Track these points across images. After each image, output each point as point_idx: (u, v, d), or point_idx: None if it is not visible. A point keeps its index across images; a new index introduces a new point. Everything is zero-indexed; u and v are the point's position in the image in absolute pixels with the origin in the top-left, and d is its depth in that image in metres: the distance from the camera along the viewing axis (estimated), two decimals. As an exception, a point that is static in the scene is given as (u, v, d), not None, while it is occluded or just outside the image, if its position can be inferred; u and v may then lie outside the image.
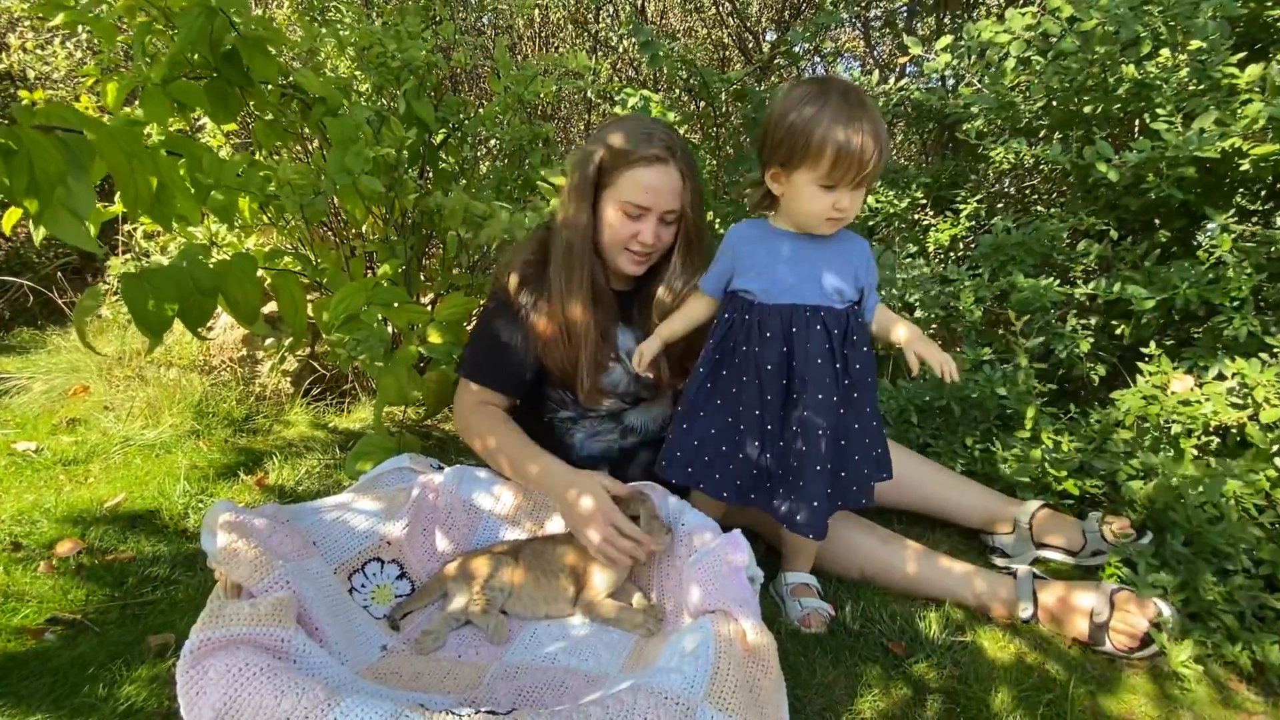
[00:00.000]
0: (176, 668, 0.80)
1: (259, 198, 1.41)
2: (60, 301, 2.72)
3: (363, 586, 1.20)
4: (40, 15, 1.39)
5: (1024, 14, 1.57)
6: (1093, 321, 1.66)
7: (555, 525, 1.31)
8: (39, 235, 1.35)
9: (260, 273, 1.49)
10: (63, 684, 1.01)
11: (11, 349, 3.27)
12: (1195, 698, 1.13)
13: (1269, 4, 1.51)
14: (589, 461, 1.47)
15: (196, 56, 1.38)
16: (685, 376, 1.52)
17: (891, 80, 1.85)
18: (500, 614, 1.16)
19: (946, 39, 1.67)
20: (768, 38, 4.01)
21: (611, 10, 3.85)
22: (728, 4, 3.59)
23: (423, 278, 2.23)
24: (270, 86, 1.49)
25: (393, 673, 1.04)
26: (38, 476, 1.69)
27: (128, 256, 2.58)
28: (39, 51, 3.35)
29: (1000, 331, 1.89)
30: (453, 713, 0.80)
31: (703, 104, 2.43)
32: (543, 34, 4.23)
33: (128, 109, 1.57)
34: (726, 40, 4.05)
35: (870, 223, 2.31)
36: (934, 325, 1.88)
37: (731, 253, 1.23)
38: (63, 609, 1.18)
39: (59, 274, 3.68)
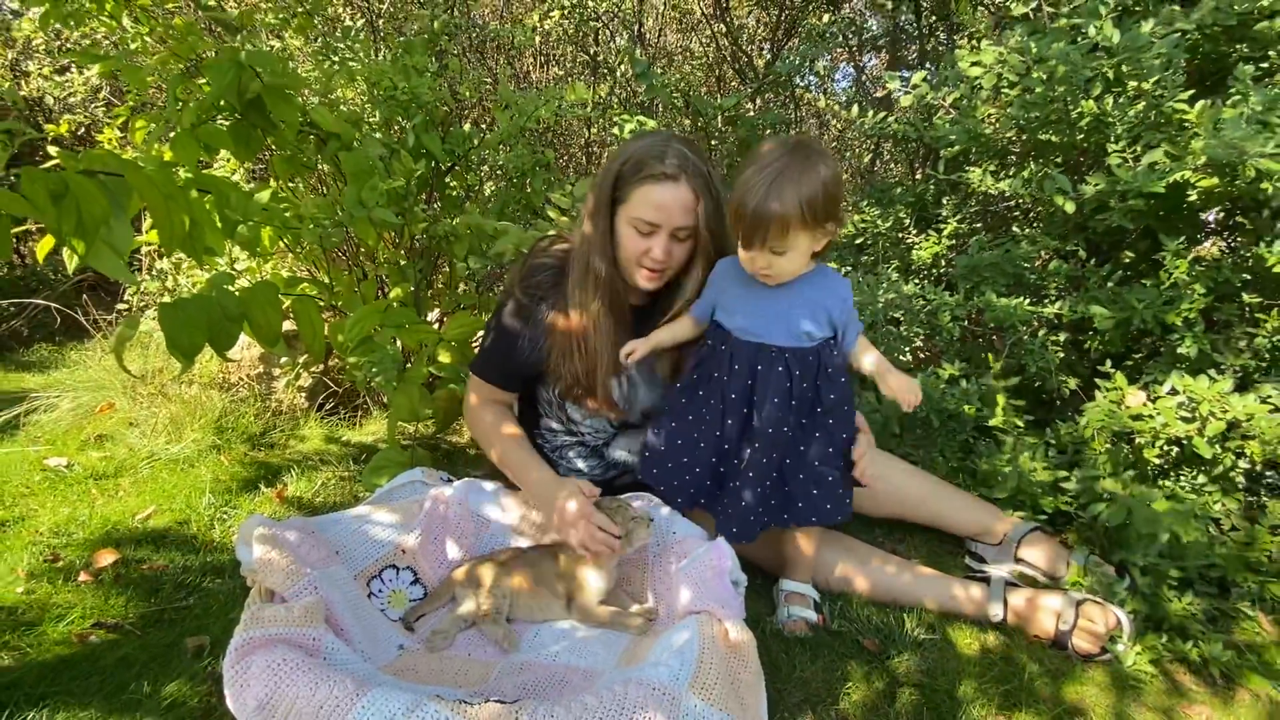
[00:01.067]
0: (223, 664, 0.91)
1: (282, 231, 1.52)
2: (83, 320, 2.83)
3: (380, 591, 1.31)
4: (79, 62, 1.50)
5: (995, 51, 1.68)
6: (1062, 338, 1.76)
7: (554, 535, 1.41)
8: (73, 265, 1.48)
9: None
10: (110, 683, 1.11)
11: (32, 365, 3.40)
12: (1146, 688, 1.23)
13: (1222, 43, 1.62)
14: None
15: (222, 103, 1.50)
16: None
17: (870, 113, 1.96)
18: (507, 623, 1.25)
19: (921, 74, 1.78)
20: (765, 50, 4.13)
21: (609, 34, 3.98)
22: (721, 25, 3.71)
23: (430, 295, 2.35)
24: (289, 125, 1.60)
25: (409, 669, 1.14)
26: (71, 491, 1.80)
27: (146, 277, 2.70)
28: (56, 78, 3.48)
29: (981, 342, 2.00)
30: (465, 702, 0.91)
31: (698, 128, 2.55)
32: (543, 51, 4.35)
33: (157, 145, 1.69)
34: (721, 57, 4.17)
35: (858, 240, 2.41)
36: (919, 341, 1.98)
37: (715, 286, 1.32)
38: (105, 615, 1.29)
39: (62, 290, 3.80)
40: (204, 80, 1.47)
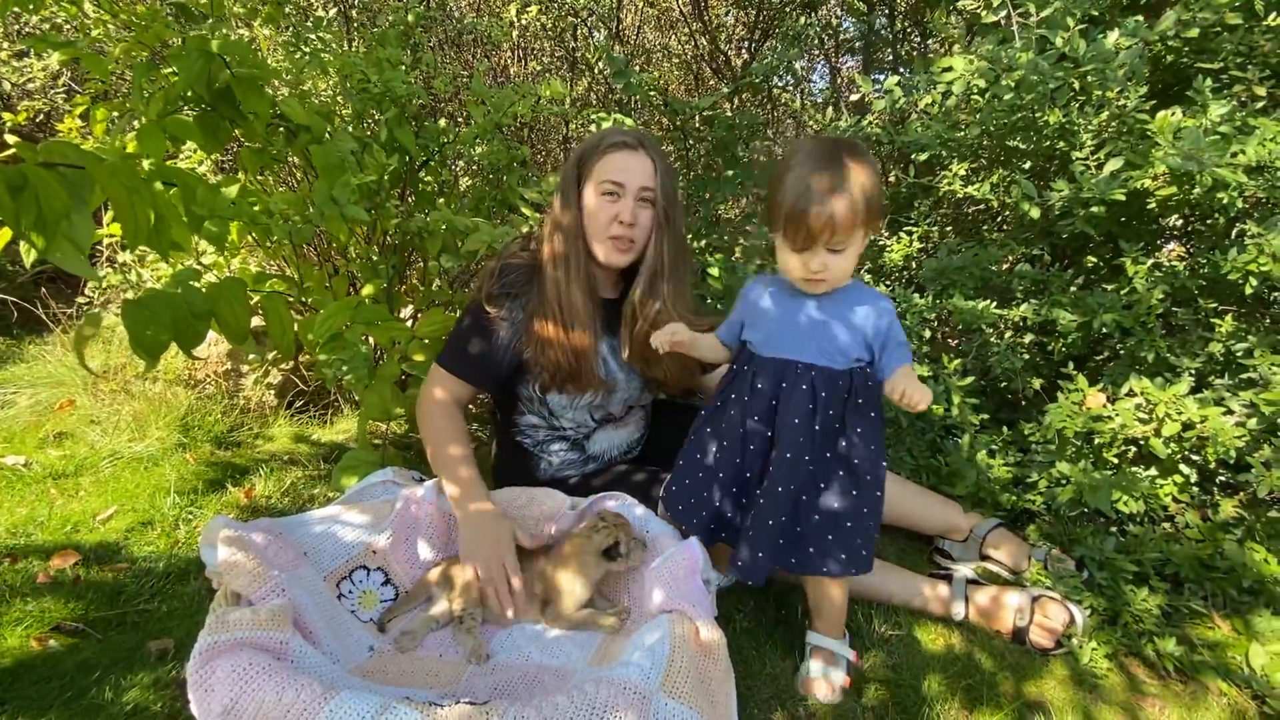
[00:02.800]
0: (186, 669, 0.89)
1: (250, 226, 1.49)
2: (41, 314, 2.74)
3: (350, 592, 1.29)
4: (37, 48, 1.46)
5: (965, 58, 1.71)
6: (1027, 340, 1.81)
7: (526, 539, 1.40)
8: (30, 259, 1.43)
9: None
10: (70, 687, 1.09)
11: (-12, 360, 3.28)
12: (1104, 683, 1.27)
13: (1184, 54, 1.67)
14: (552, 485, 1.53)
15: (190, 93, 1.46)
16: (657, 391, 1.62)
17: (845, 117, 1.98)
18: (479, 635, 1.23)
19: (894, 79, 1.81)
20: (743, 50, 4.15)
21: (587, 30, 3.96)
22: (699, 24, 3.72)
23: (402, 292, 2.32)
24: (259, 118, 1.57)
25: (380, 671, 1.13)
26: (29, 490, 1.75)
27: (108, 270, 2.63)
28: (14, 63, 3.36)
29: (952, 344, 2.03)
30: (435, 704, 0.91)
31: (675, 127, 2.55)
32: (521, 46, 4.32)
33: (121, 137, 1.64)
34: (699, 55, 4.18)
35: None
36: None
37: (742, 302, 1.26)
38: (64, 618, 1.26)
39: (19, 282, 3.68)
40: (170, 70, 1.43)
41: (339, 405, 2.40)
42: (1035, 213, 1.49)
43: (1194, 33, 1.51)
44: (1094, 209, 1.43)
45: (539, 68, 4.27)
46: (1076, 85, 1.44)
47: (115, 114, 1.70)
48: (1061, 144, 1.59)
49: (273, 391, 2.33)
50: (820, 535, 1.17)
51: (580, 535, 1.28)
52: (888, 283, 2.14)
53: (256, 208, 1.57)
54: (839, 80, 3.38)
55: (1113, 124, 1.56)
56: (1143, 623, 1.36)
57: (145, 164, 1.63)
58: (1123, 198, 1.37)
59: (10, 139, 1.91)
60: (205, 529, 1.13)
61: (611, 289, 1.51)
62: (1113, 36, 1.46)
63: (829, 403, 1.15)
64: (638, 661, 1.00)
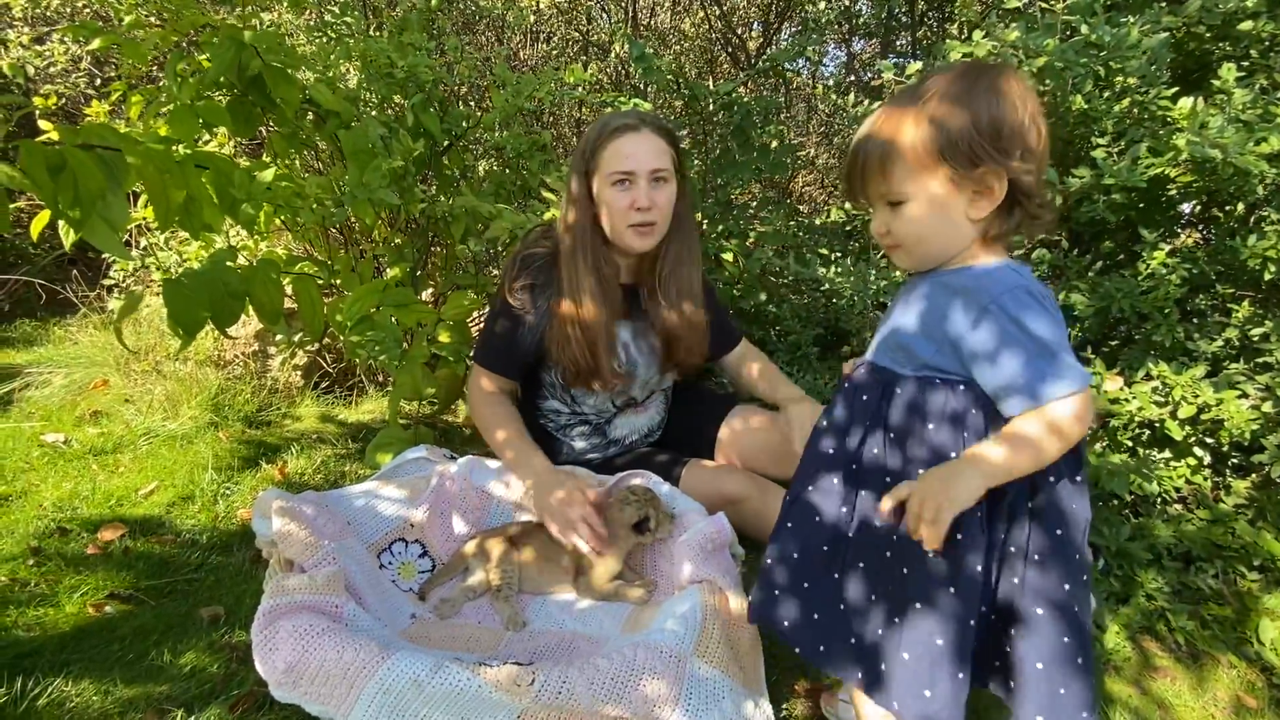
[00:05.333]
0: (251, 630, 0.95)
1: (284, 211, 1.53)
2: (71, 295, 2.80)
3: (390, 563, 1.35)
4: (76, 36, 1.49)
5: (988, 44, 1.72)
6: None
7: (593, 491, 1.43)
8: (69, 240, 1.48)
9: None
10: (130, 651, 1.15)
11: (15, 341, 3.35)
12: (1118, 659, 1.31)
13: (1207, 39, 1.68)
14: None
15: (222, 80, 1.50)
16: (676, 371, 1.65)
17: (866, 101, 2.00)
18: (516, 604, 1.29)
19: (916, 65, 1.82)
20: (757, 32, 4.14)
21: (602, 12, 3.95)
22: (715, 8, 3.71)
23: (424, 275, 2.36)
24: (288, 104, 1.60)
25: (423, 636, 1.19)
26: (71, 467, 1.81)
27: (136, 254, 2.67)
28: (37, 47, 3.39)
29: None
30: (484, 664, 0.96)
31: (693, 112, 2.56)
32: (534, 28, 4.31)
33: (153, 120, 1.68)
34: (713, 37, 4.17)
35: (847, 227, 2.46)
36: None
37: None
38: (118, 586, 1.32)
39: (43, 265, 3.74)
40: (204, 56, 1.47)
41: (363, 386, 2.45)
42: (1058, 200, 1.51)
43: (1217, 19, 1.52)
44: (1116, 195, 1.45)
45: (551, 50, 4.27)
46: (1101, 72, 1.45)
47: (148, 100, 1.74)
48: (1082, 130, 1.61)
49: (299, 372, 2.38)
50: (890, 647, 0.82)
51: (611, 509, 1.32)
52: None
53: (289, 192, 1.60)
54: (855, 64, 3.38)
55: (1133, 110, 1.57)
56: (1155, 600, 1.40)
57: (179, 149, 1.67)
58: (1145, 184, 1.39)
59: (44, 124, 1.95)
60: (257, 501, 1.18)
61: (631, 274, 1.52)
62: (1135, 25, 1.47)
63: (897, 423, 0.84)
64: (671, 628, 1.04)
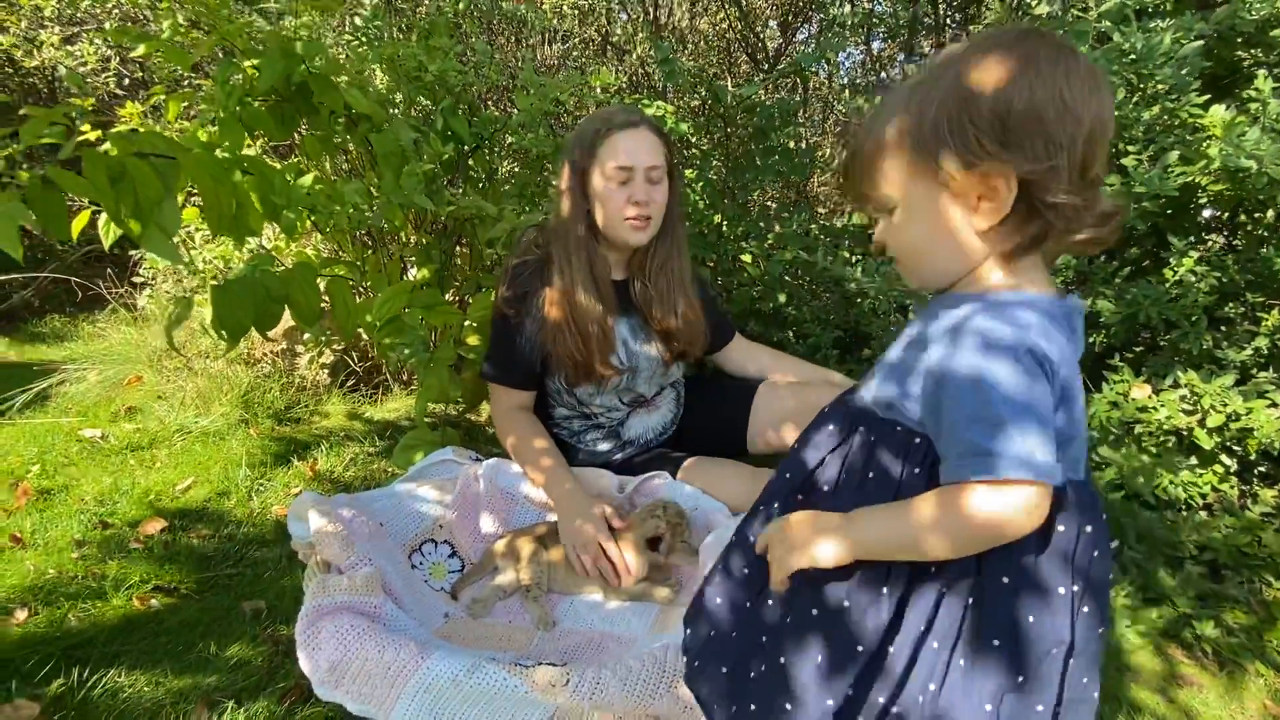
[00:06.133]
0: (295, 629, 0.98)
1: (323, 217, 1.57)
2: (105, 293, 2.86)
3: (420, 564, 1.38)
4: (122, 42, 1.52)
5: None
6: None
7: (618, 519, 1.44)
8: (109, 240, 1.52)
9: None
10: (178, 643, 1.19)
11: (46, 337, 3.43)
12: (1141, 666, 1.32)
13: (1238, 45, 1.67)
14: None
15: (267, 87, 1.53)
16: (681, 362, 1.64)
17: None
18: (545, 604, 1.31)
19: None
20: (774, 30, 4.13)
21: (621, 11, 3.97)
22: (735, 8, 3.71)
23: (448, 276, 2.39)
24: (331, 110, 1.63)
25: (455, 635, 1.22)
26: (109, 461, 1.86)
27: (188, 255, 2.71)
28: (68, 48, 3.46)
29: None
30: (519, 664, 0.98)
31: (716, 114, 2.57)
32: (552, 30, 4.33)
33: (202, 128, 1.72)
34: (731, 36, 4.17)
35: (869, 231, 2.46)
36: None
37: None
38: (161, 580, 1.36)
39: (70, 262, 3.81)
40: (249, 63, 1.50)
41: (388, 385, 2.49)
42: (1105, 207, 1.51)
43: (1250, 26, 1.51)
44: (1146, 204, 1.45)
45: (571, 51, 4.28)
46: (1134, 79, 1.45)
47: (185, 104, 1.77)
48: (1113, 139, 1.61)
49: (326, 371, 2.42)
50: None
51: (638, 516, 1.35)
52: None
53: (325, 196, 1.64)
54: (875, 65, 3.37)
55: (1163, 118, 1.57)
56: (1178, 606, 1.40)
57: (219, 154, 1.71)
58: (1176, 193, 1.39)
59: (86, 128, 1.98)
60: (293, 505, 1.21)
61: (622, 269, 1.52)
62: (1168, 33, 1.47)
63: (867, 458, 0.72)
64: (702, 631, 1.06)
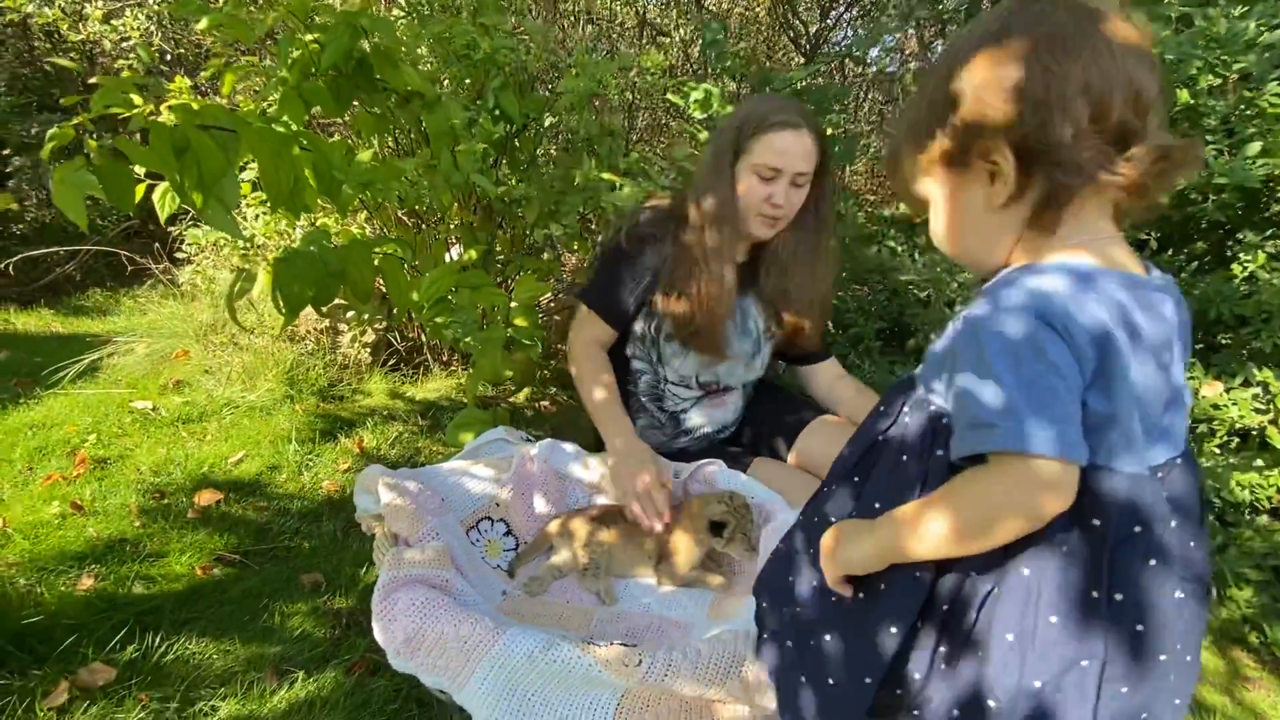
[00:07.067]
0: (372, 601, 0.98)
1: (380, 193, 1.56)
2: (153, 267, 2.89)
3: (477, 541, 1.38)
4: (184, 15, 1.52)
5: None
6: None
7: (669, 476, 1.43)
8: (165, 214, 1.52)
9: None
10: (241, 612, 1.20)
11: (90, 310, 3.48)
12: (1206, 667, 1.29)
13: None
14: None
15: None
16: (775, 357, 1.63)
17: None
18: (607, 580, 1.31)
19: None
20: (814, 12, 4.06)
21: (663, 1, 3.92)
22: (778, -8, 3.65)
23: (491, 257, 2.38)
24: (392, 87, 1.62)
25: (514, 612, 1.22)
26: (161, 433, 1.88)
27: (186, 226, 2.72)
28: (112, 22, 3.48)
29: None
30: (590, 642, 0.98)
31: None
32: (585, 9, 4.28)
33: (266, 102, 1.72)
34: (772, 20, 4.11)
35: (917, 220, 2.42)
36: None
37: None
38: (221, 549, 1.38)
39: (110, 236, 3.86)
40: (310, 38, 1.49)
41: (429, 365, 2.50)
42: (1165, 198, 1.47)
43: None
44: (1227, 195, 1.41)
45: (609, 32, 4.24)
46: (1215, 66, 1.40)
47: (240, 77, 1.77)
48: (1185, 126, 1.56)
49: (368, 350, 2.44)
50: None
51: (699, 500, 1.34)
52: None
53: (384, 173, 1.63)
54: (925, 49, 3.30)
55: (1240, 107, 1.52)
56: (1242, 609, 1.37)
57: (277, 129, 1.71)
58: (1260, 184, 1.34)
59: (136, 99, 1.99)
60: (360, 477, 1.22)
61: (746, 252, 1.52)
62: (1253, 20, 1.41)
63: (913, 458, 0.72)
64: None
